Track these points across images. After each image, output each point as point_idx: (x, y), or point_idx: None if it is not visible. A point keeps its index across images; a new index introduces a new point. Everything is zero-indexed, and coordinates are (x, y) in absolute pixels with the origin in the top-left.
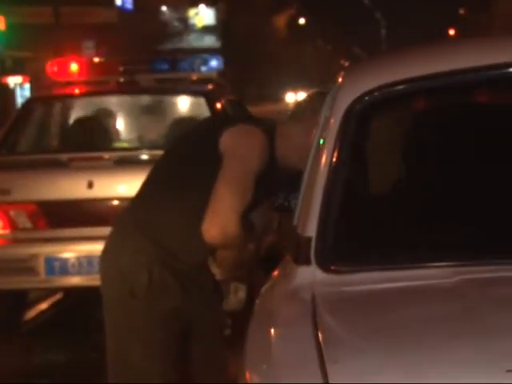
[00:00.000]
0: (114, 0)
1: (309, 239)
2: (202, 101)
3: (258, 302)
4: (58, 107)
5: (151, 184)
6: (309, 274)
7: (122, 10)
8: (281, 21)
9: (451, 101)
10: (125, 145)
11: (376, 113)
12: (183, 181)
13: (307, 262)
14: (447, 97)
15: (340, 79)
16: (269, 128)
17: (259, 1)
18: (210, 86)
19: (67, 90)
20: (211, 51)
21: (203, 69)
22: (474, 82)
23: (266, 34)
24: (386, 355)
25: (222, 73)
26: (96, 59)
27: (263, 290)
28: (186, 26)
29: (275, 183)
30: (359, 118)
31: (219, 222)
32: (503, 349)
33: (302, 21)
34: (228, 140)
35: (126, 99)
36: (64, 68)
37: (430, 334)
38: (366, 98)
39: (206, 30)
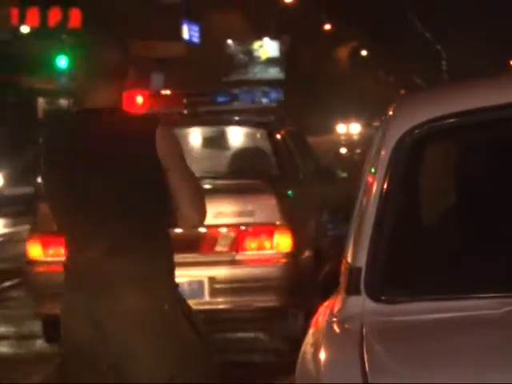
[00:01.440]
0: (182, 34)
1: (359, 269)
2: (263, 132)
3: (310, 329)
4: None
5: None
6: (359, 304)
7: (189, 43)
8: (343, 53)
9: (500, 134)
10: None
11: (426, 146)
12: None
13: (357, 292)
14: (496, 130)
15: (391, 112)
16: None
17: (322, 33)
18: (270, 118)
19: None
20: (274, 82)
21: (264, 100)
22: None
23: (328, 66)
24: None
25: (281, 104)
26: (161, 92)
27: (315, 318)
28: (251, 58)
29: None
30: (409, 151)
31: (200, 208)
32: None
33: (364, 53)
34: (164, 146)
35: (188, 131)
36: (130, 100)
37: (473, 365)
38: (416, 131)
39: (270, 61)
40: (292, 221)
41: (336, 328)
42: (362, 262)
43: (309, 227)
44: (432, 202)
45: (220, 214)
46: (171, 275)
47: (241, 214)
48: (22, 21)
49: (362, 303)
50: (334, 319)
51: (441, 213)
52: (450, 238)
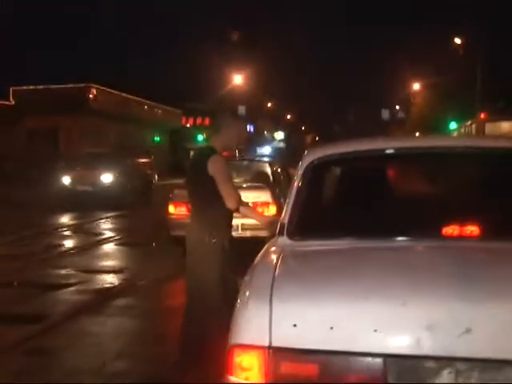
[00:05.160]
0: (246, 128)
1: (284, 224)
2: (266, 165)
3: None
4: None
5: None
6: (283, 241)
7: (250, 133)
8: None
9: (359, 166)
10: (237, 180)
11: (321, 169)
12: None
13: (282, 235)
14: (359, 163)
15: (306, 152)
16: (213, 148)
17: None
18: (270, 160)
19: None
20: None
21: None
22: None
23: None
24: (307, 283)
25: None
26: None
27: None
28: (274, 139)
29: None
30: (311, 170)
31: (231, 201)
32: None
33: None
34: (211, 167)
35: (238, 162)
36: None
37: (336, 272)
38: (315, 162)
39: (281, 141)
40: (276, 201)
41: (268, 250)
42: (286, 220)
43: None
44: (321, 192)
45: (247, 196)
46: (217, 226)
47: (255, 197)
48: (187, 122)
49: (284, 240)
50: (270, 247)
51: (325, 198)
52: (330, 209)
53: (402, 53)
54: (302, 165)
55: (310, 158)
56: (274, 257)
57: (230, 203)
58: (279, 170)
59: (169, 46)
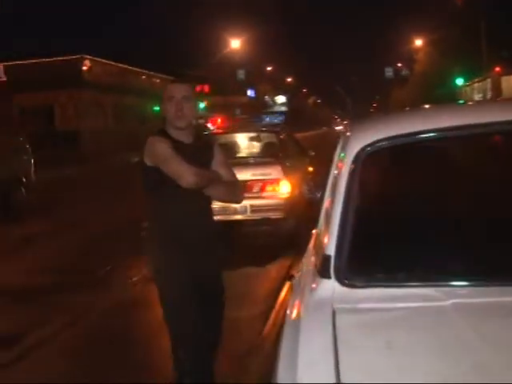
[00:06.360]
0: (246, 92)
1: (328, 256)
2: (274, 135)
3: (289, 309)
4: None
5: None
6: (329, 288)
7: (250, 98)
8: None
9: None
10: (241, 155)
11: (381, 160)
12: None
13: (328, 276)
14: (414, 145)
15: (348, 132)
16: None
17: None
18: (278, 128)
19: (217, 132)
20: (282, 112)
21: (276, 120)
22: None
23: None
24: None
25: (283, 122)
26: (232, 117)
27: (295, 295)
28: (275, 102)
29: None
30: (365, 163)
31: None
32: None
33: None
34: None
35: (241, 134)
36: (214, 121)
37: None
38: (369, 149)
39: (282, 104)
40: (288, 176)
41: (308, 322)
42: (331, 250)
43: (295, 179)
44: (387, 199)
45: (254, 173)
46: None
47: (264, 174)
48: None
49: (331, 287)
50: (305, 307)
51: (394, 208)
52: (406, 228)
53: (404, 9)
54: (348, 153)
55: (358, 142)
56: (325, 344)
57: (183, 182)
58: (287, 139)
59: (165, 16)
